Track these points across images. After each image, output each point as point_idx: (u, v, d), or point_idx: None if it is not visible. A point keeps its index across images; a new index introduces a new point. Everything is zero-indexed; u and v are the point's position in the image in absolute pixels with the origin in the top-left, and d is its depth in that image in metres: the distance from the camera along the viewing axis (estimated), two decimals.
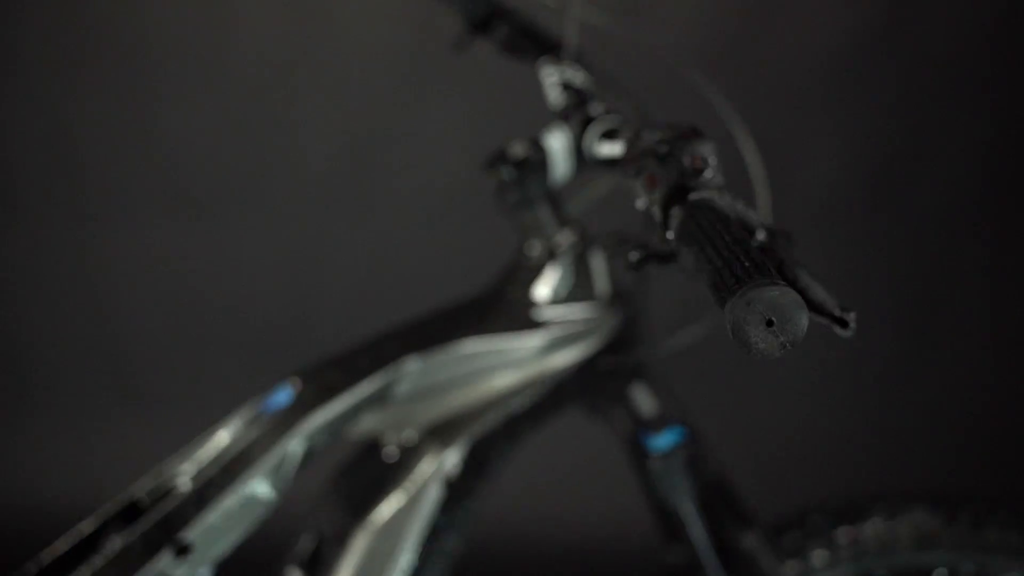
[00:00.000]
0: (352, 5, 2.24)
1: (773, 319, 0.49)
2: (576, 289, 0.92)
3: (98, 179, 2.43)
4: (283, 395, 0.85)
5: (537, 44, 1.00)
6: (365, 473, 0.92)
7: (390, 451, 0.92)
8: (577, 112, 0.88)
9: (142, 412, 2.53)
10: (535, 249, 0.92)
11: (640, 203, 0.68)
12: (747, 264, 0.52)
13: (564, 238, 0.91)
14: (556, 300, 0.91)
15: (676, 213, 0.62)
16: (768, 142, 2.41)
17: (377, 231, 2.41)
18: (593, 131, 0.86)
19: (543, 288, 0.91)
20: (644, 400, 0.96)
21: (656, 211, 0.65)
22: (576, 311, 0.92)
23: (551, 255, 0.91)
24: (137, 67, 2.35)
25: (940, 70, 2.31)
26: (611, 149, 0.83)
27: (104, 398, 2.55)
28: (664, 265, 0.73)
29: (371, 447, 0.94)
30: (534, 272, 0.91)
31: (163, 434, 2.35)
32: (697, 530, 0.94)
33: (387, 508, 0.89)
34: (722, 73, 2.32)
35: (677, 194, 0.63)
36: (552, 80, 0.94)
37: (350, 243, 2.45)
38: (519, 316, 0.91)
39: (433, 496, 0.88)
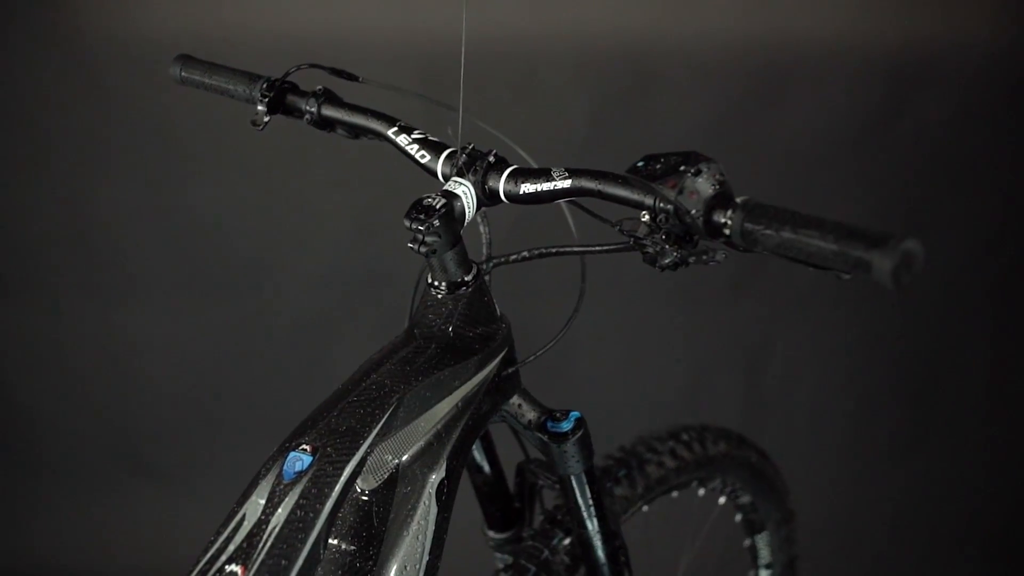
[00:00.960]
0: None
1: (912, 261, 0.69)
2: (481, 314, 1.05)
3: (116, 258, 2.52)
4: (298, 460, 0.87)
5: (367, 117, 1.12)
6: (353, 516, 0.95)
7: (366, 489, 0.95)
8: (473, 162, 0.99)
9: (154, 485, 2.62)
10: (444, 286, 1.02)
11: (648, 217, 0.85)
12: (862, 228, 0.70)
13: (467, 273, 1.03)
14: (475, 324, 1.04)
15: (733, 216, 0.78)
16: None
17: (388, 308, 2.39)
18: (505, 174, 0.98)
19: (464, 317, 1.03)
20: (531, 396, 1.14)
21: (694, 218, 0.81)
22: (488, 332, 1.05)
23: (459, 289, 1.02)
24: (157, 152, 2.42)
25: (940, 146, 2.47)
26: (534, 186, 0.96)
27: (117, 471, 2.62)
28: (680, 264, 0.86)
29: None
30: (452, 306, 1.03)
31: (174, 507, 2.56)
32: (584, 491, 1.17)
33: (394, 534, 0.92)
34: (733, 146, 2.39)
35: (722, 202, 0.80)
36: (408, 144, 1.06)
37: (362, 326, 2.49)
38: (457, 344, 1.02)
39: (431, 513, 0.95)
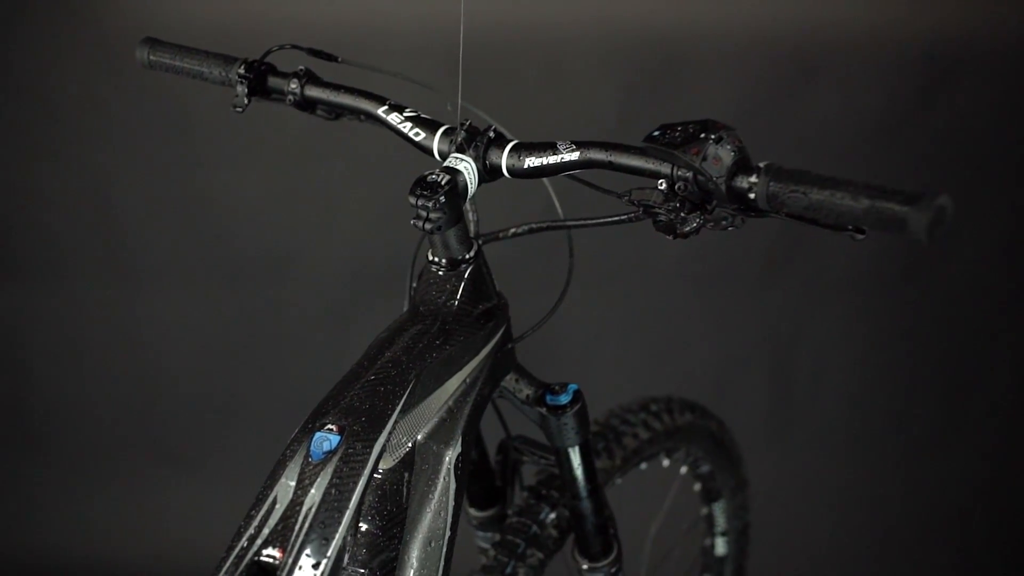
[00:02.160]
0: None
1: (944, 216, 0.72)
2: (482, 290, 1.05)
3: (136, 245, 2.52)
4: (326, 440, 0.86)
5: (355, 97, 1.10)
6: (372, 496, 0.94)
7: (382, 468, 0.94)
8: (473, 138, 0.99)
9: (174, 472, 2.61)
10: (444, 263, 1.02)
11: (664, 186, 0.87)
12: (892, 186, 0.73)
13: (468, 250, 1.03)
14: (477, 301, 1.04)
15: (758, 180, 0.80)
16: None
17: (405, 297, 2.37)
18: (507, 149, 0.98)
19: (467, 294, 1.03)
20: (527, 371, 1.15)
21: (717, 184, 0.82)
22: (489, 308, 1.06)
23: (460, 266, 1.02)
24: (176, 140, 2.42)
25: (972, 138, 2.39)
26: (540, 159, 0.96)
27: (137, 458, 2.61)
28: (694, 230, 0.88)
29: None
30: (455, 283, 1.03)
31: (195, 494, 2.55)
32: (580, 463, 1.18)
33: (416, 511, 0.93)
34: (765, 131, 2.31)
35: (744, 167, 0.82)
36: (401, 122, 1.06)
37: (380, 313, 2.38)
38: (463, 320, 1.02)
39: (451, 489, 0.96)
